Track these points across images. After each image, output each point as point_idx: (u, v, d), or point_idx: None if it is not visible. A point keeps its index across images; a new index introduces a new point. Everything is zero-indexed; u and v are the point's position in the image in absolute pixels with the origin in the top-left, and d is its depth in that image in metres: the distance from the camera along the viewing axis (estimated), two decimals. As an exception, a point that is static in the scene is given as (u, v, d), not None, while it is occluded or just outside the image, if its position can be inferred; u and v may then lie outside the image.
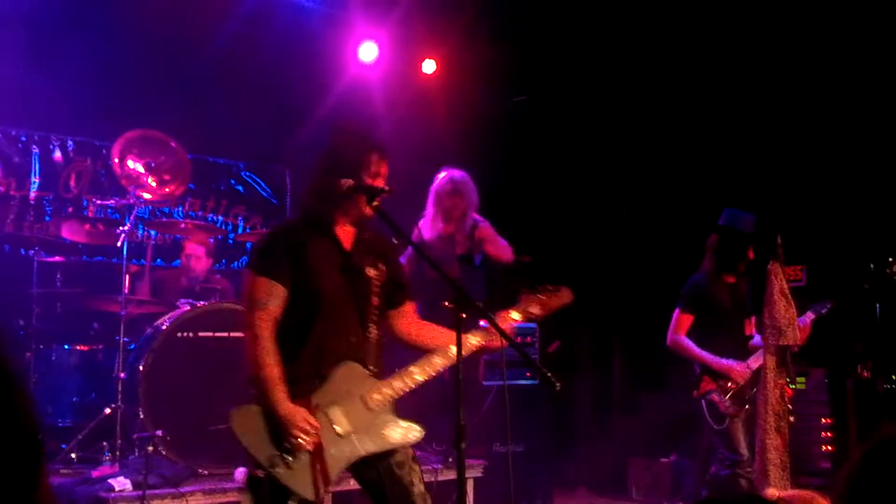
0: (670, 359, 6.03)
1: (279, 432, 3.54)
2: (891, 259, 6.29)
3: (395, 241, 4.02)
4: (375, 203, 3.71)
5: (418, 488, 3.77)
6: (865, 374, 6.74)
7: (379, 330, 3.86)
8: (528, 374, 7.05)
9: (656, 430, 8.01)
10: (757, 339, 5.97)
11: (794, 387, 5.94)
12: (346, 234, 3.84)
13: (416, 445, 3.84)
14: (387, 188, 3.76)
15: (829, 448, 7.17)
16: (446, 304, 3.53)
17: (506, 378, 5.56)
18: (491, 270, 6.80)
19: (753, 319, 6.06)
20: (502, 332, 3.67)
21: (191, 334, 5.88)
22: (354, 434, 3.69)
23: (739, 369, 5.85)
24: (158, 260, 8.18)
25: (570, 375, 9.14)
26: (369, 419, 3.72)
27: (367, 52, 8.62)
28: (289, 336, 3.67)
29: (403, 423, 3.81)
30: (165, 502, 5.34)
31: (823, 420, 7.16)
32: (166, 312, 6.26)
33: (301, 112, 8.46)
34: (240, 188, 9.08)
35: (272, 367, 3.58)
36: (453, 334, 3.69)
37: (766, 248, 5.75)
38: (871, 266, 6.34)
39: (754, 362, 5.83)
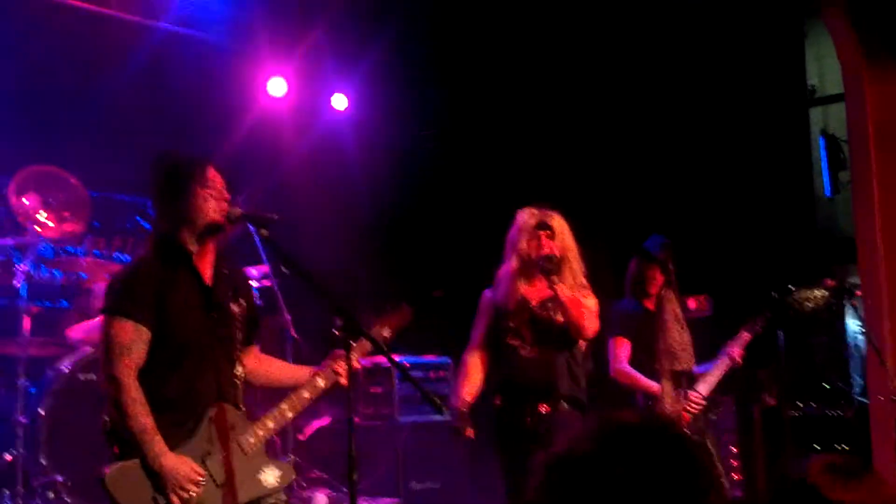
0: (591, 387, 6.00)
1: (162, 488, 3.35)
2: (791, 287, 6.43)
3: (286, 271, 3.92)
4: (264, 232, 3.59)
5: None
6: (771, 401, 6.86)
7: (243, 367, 3.73)
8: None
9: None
10: (697, 368, 5.88)
11: (713, 417, 5.94)
12: (205, 266, 3.68)
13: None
14: (275, 215, 3.64)
15: (738, 476, 7.26)
16: (335, 331, 3.49)
17: (417, 413, 5.55)
18: None
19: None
20: (394, 362, 3.64)
21: (93, 376, 5.73)
22: (232, 483, 3.52)
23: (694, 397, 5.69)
24: (63, 301, 7.96)
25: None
26: (244, 464, 3.57)
27: (276, 87, 8.57)
28: (154, 381, 3.47)
29: (277, 466, 3.69)
30: (67, 551, 5.18)
31: (731, 448, 7.27)
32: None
33: (209, 148, 8.33)
34: (147, 226, 8.90)
35: (145, 418, 3.38)
36: (298, 367, 3.92)
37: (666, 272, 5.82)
38: (773, 294, 6.46)
39: (703, 388, 5.74)
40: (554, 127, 8.92)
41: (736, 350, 5.90)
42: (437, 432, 6.79)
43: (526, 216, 5.12)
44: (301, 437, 7.06)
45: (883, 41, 6.62)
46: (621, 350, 5.88)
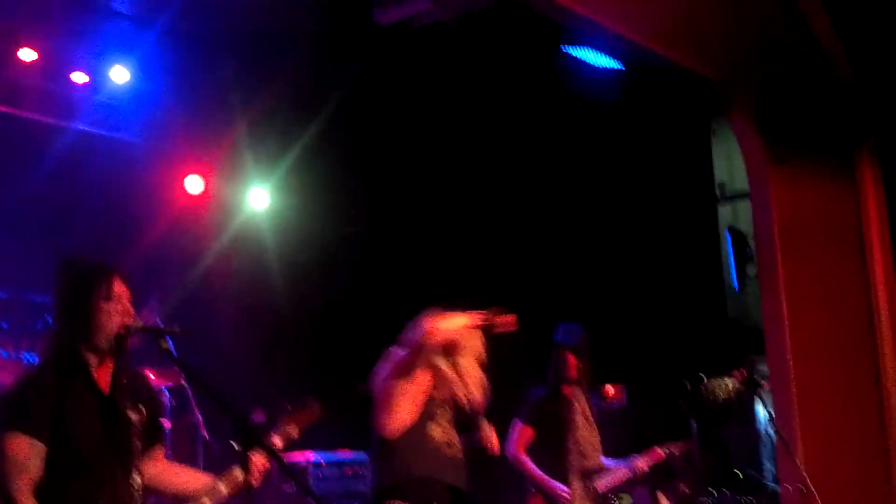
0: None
1: None
2: (703, 377, 6.52)
3: (185, 384, 3.86)
4: (164, 344, 3.52)
5: None
6: (686, 490, 6.88)
7: (141, 476, 3.63)
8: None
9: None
10: (606, 461, 6.03)
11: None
12: (103, 375, 3.58)
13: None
14: (177, 329, 3.60)
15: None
16: (233, 442, 3.43)
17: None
18: None
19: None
20: (289, 472, 3.57)
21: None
22: None
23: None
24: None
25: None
26: None
27: (193, 184, 8.60)
28: (52, 496, 3.36)
29: None
30: None
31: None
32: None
33: (125, 247, 8.27)
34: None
35: None
36: (201, 475, 3.81)
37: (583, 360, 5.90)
38: (686, 384, 6.55)
39: (601, 485, 5.85)
40: (472, 222, 9.03)
41: (643, 464, 6.06)
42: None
43: None
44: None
45: (788, 145, 6.76)
46: (522, 437, 5.98)
